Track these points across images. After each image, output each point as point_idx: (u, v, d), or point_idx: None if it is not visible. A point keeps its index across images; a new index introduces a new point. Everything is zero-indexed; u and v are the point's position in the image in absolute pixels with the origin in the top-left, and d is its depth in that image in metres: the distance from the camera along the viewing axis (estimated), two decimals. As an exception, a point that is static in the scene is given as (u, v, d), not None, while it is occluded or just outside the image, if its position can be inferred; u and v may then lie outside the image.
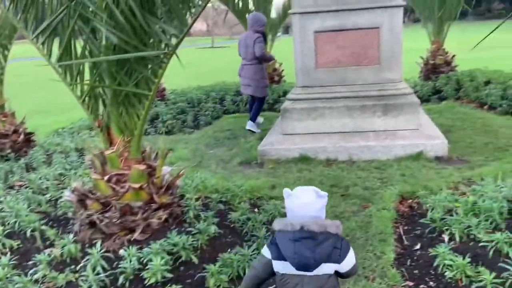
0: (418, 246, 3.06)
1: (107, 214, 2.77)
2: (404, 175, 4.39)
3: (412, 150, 4.89)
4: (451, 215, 3.13)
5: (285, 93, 9.09)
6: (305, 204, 1.75)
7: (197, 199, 3.31)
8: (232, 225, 3.15)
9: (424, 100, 8.15)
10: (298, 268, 1.73)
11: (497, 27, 2.74)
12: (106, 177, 2.78)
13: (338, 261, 1.76)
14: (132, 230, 2.80)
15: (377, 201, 3.80)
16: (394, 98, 5.10)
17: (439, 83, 8.40)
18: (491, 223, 2.97)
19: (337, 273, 1.81)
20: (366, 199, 3.90)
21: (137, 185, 2.74)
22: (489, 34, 2.86)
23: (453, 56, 9.14)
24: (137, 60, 2.52)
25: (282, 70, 10.15)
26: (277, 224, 1.81)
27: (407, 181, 4.21)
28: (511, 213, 3.07)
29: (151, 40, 2.57)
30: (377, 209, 3.63)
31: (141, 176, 2.81)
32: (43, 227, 3.25)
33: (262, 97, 6.91)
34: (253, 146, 5.84)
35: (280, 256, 1.77)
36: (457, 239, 2.91)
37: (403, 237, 3.23)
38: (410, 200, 3.83)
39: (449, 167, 4.54)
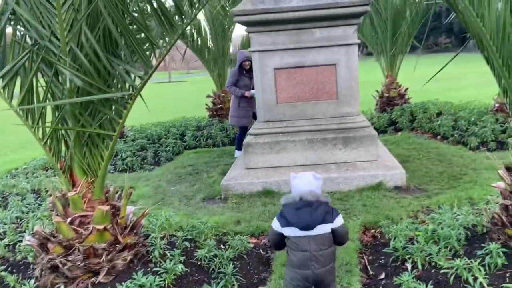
0: (383, 276, 3.17)
1: (70, 257, 2.72)
2: (365, 205, 4.55)
3: (372, 180, 5.09)
4: (413, 244, 3.27)
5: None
6: (303, 183, 2.44)
7: (162, 238, 3.29)
8: (198, 263, 3.15)
9: (381, 131, 8.53)
10: (302, 229, 2.37)
11: (448, 62, 3.00)
12: (68, 220, 2.75)
13: (331, 220, 2.42)
14: (96, 273, 2.75)
15: (341, 233, 3.91)
16: (353, 131, 5.33)
17: (394, 115, 8.82)
18: (450, 249, 3.14)
19: (333, 237, 2.44)
20: (330, 231, 4.00)
21: (101, 226, 2.72)
22: (441, 69, 3.12)
23: (406, 89, 9.66)
24: (101, 102, 2.56)
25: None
26: (284, 200, 2.48)
27: (369, 211, 4.37)
28: (468, 239, 3.25)
29: (115, 81, 2.62)
30: (342, 241, 3.74)
31: (105, 217, 2.79)
32: (2, 273, 3.13)
33: (242, 127, 7.23)
34: (216, 181, 5.88)
35: (287, 223, 2.41)
36: (420, 267, 3.04)
37: (368, 267, 3.34)
38: (373, 230, 3.97)
39: (408, 196, 4.75)
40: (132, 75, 2.66)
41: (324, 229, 2.41)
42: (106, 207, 2.77)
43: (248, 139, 5.48)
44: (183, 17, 2.52)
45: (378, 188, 5.02)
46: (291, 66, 5.32)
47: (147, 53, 2.59)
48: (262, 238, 4.01)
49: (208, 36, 9.76)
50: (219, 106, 9.94)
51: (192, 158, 7.55)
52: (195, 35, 9.37)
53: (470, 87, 17.78)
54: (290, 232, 2.41)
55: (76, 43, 2.45)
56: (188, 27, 9.17)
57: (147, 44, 2.64)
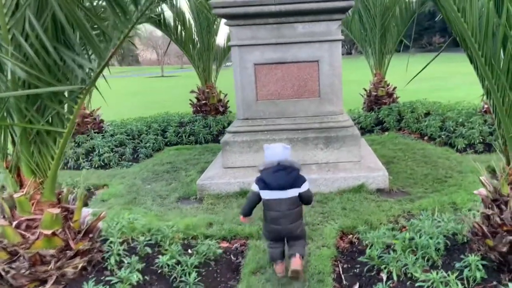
0: (356, 286, 2.99)
1: (14, 265, 2.50)
2: (345, 208, 4.38)
3: (354, 182, 4.92)
4: (389, 252, 3.10)
5: (229, 123, 9.06)
6: (278, 151, 3.06)
7: (122, 243, 3.08)
8: (159, 271, 2.95)
9: (367, 130, 8.37)
10: (278, 189, 2.94)
11: (429, 62, 2.82)
12: (14, 223, 2.53)
13: (299, 185, 3.01)
14: (43, 281, 2.54)
15: (317, 238, 3.74)
16: (336, 131, 5.15)
17: (381, 114, 8.66)
18: (427, 260, 2.96)
19: (301, 199, 3.04)
20: (306, 236, 3.82)
21: (49, 231, 2.50)
22: (423, 69, 2.94)
23: (394, 88, 9.50)
24: (50, 96, 2.34)
25: (227, 101, 10.13)
26: (261, 166, 3.07)
27: (348, 215, 4.19)
28: (448, 249, 3.09)
29: (67, 74, 2.40)
30: (317, 247, 3.56)
31: (55, 221, 2.57)
32: None
33: None
34: (193, 179, 5.68)
35: (265, 186, 2.97)
36: (395, 278, 2.87)
37: (342, 276, 3.16)
38: (351, 236, 3.79)
39: (390, 200, 4.58)
40: (85, 69, 2.44)
41: (293, 192, 2.99)
42: (56, 210, 2.55)
43: (226, 137, 5.28)
44: (138, 6, 2.31)
45: (360, 190, 4.85)
46: (272, 62, 5.12)
47: (102, 45, 2.38)
48: (234, 242, 3.82)
49: (193, 29, 9.52)
50: (203, 102, 9.71)
51: (172, 155, 7.33)
52: (179, 28, 9.12)
53: (459, 87, 17.75)
54: (266, 194, 2.99)
55: (20, 31, 2.23)
56: (171, 19, 8.95)
57: (101, 36, 2.42)
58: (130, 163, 6.97)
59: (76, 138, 7.54)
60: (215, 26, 9.50)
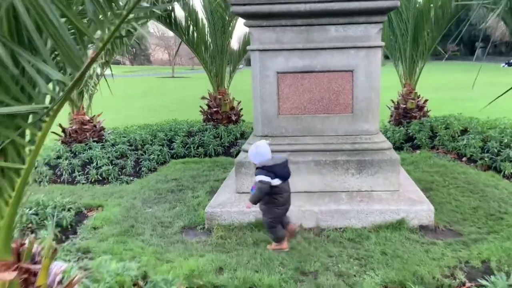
0: None
1: None
2: (385, 253, 3.63)
3: (392, 216, 4.18)
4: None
5: (242, 134, 8.36)
6: (268, 149, 3.75)
7: (107, 308, 2.39)
8: None
9: (396, 147, 7.61)
10: (285, 179, 3.77)
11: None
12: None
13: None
14: None
15: (355, 296, 3.01)
16: (370, 153, 4.42)
17: (411, 130, 7.89)
18: None
19: None
20: (341, 292, 3.10)
21: (-1, 305, 1.82)
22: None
23: (425, 100, 8.72)
24: (2, 120, 1.66)
25: (241, 109, 9.43)
26: (270, 162, 3.71)
27: (391, 263, 3.45)
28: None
29: (26, 89, 1.71)
30: (356, 311, 2.83)
31: (10, 288, 1.88)
32: None
33: None
34: (201, 202, 5.00)
35: (275, 176, 3.68)
36: None
37: None
38: (397, 293, 3.06)
39: (438, 242, 3.83)
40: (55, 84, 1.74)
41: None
42: (10, 275, 1.86)
43: (241, 156, 4.57)
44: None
45: (399, 227, 4.11)
46: (298, 71, 4.41)
47: (79, 52, 1.68)
48: (249, 297, 3.11)
49: (207, 30, 8.85)
50: (215, 109, 9.02)
51: (179, 170, 6.64)
52: (191, 28, 8.45)
53: (483, 97, 16.90)
54: (277, 182, 3.70)
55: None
56: (183, 18, 8.28)
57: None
58: (131, 178, 6.29)
59: (73, 147, 6.88)
60: (230, 28, 8.81)
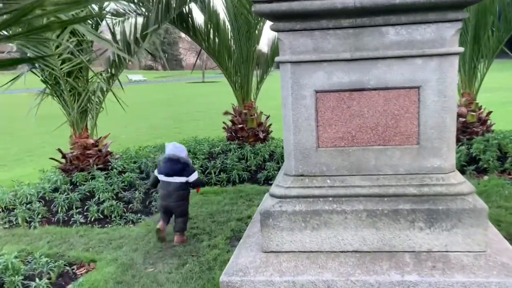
0: None
1: None
2: None
3: (480, 291, 3.00)
4: None
5: (271, 155, 7.30)
6: (169, 148, 4.52)
7: None
8: None
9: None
10: (165, 175, 4.44)
11: None
12: None
13: (187, 175, 4.49)
14: None
15: None
16: (445, 200, 3.26)
17: (474, 149, 6.62)
18: None
19: (187, 183, 4.53)
20: None
21: None
22: None
23: (489, 112, 7.42)
24: None
25: (270, 125, 8.37)
26: (161, 158, 4.54)
27: None
28: None
29: None
30: None
31: None
32: None
33: None
34: (218, 257, 4.00)
35: (160, 172, 4.50)
36: None
37: None
38: None
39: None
40: None
41: (179, 179, 4.45)
42: None
43: (268, 204, 3.49)
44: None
45: (493, 308, 2.93)
46: (344, 88, 3.31)
47: None
48: None
49: (230, 35, 7.85)
50: (240, 126, 8.00)
51: (195, 205, 5.63)
52: (212, 33, 7.46)
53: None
54: (161, 177, 4.50)
55: None
56: (203, 22, 7.31)
57: None
58: (138, 215, 5.33)
59: (74, 177, 5.97)
60: (257, 32, 7.79)
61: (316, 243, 3.41)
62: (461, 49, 3.19)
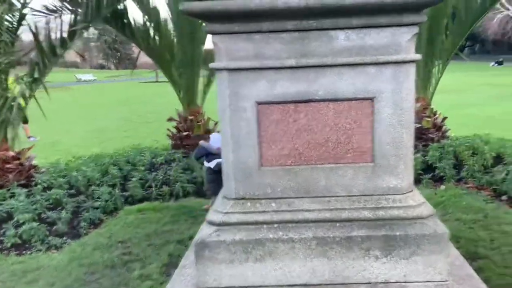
0: None
1: None
2: None
3: (441, 327, 2.74)
4: None
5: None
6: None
7: None
8: None
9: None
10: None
11: None
12: None
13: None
14: None
15: None
16: (403, 225, 2.99)
17: (431, 157, 6.50)
18: None
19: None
20: None
21: None
22: None
23: (444, 118, 7.36)
24: None
25: (219, 132, 7.96)
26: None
27: None
28: None
29: None
30: None
31: None
32: None
33: None
34: (152, 290, 3.52)
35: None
36: None
37: None
38: None
39: None
40: None
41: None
42: None
43: (205, 232, 3.10)
44: None
45: None
46: (290, 100, 2.97)
47: None
48: None
49: (172, 35, 7.40)
50: (185, 133, 7.55)
51: (130, 225, 5.17)
52: (152, 33, 6.97)
53: (490, 102, 15.89)
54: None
55: None
56: (141, 22, 6.82)
57: None
58: (63, 239, 4.80)
59: (-10, 196, 5.34)
60: (202, 31, 7.37)
61: (260, 276, 3.05)
62: (418, 56, 2.93)
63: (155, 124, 14.31)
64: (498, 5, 27.41)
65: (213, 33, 2.91)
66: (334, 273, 3.02)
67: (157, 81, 38.20)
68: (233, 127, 3.02)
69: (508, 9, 35.38)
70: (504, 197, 5.41)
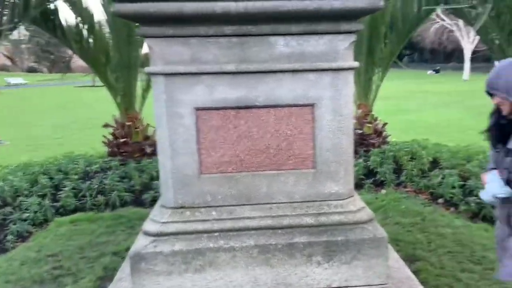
0: None
1: None
2: None
3: (381, 330, 2.84)
4: None
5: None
6: None
7: None
8: None
9: (355, 185, 6.40)
10: None
11: None
12: None
13: None
14: None
15: None
16: (344, 230, 3.07)
17: (372, 162, 6.73)
18: None
19: None
20: None
21: None
22: None
23: (385, 124, 7.65)
24: None
25: (158, 138, 7.85)
26: None
27: None
28: None
29: None
30: None
31: None
32: None
33: None
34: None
35: None
36: None
37: None
38: None
39: None
40: None
41: None
42: None
43: (141, 243, 3.03)
44: None
45: None
46: (230, 106, 2.98)
47: None
48: None
49: (108, 38, 7.22)
50: (122, 140, 7.36)
51: (62, 237, 4.96)
52: (86, 35, 6.77)
53: (424, 108, 16.71)
54: None
55: None
56: (74, 23, 6.61)
57: None
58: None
59: None
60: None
61: (200, 287, 3.02)
62: (356, 64, 3.03)
63: (91, 130, 13.90)
64: (434, 16, 28.98)
65: (148, 36, 2.87)
66: (276, 280, 3.05)
67: (93, 86, 37.05)
68: (170, 134, 2.98)
69: (443, 20, 37.44)
70: (440, 200, 5.68)
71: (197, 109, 2.96)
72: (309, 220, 3.07)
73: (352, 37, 2.95)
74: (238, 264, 3.02)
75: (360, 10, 2.84)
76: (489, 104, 2.51)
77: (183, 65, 2.87)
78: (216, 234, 3.03)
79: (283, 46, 2.93)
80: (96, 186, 6.19)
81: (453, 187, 5.60)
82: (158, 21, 2.74)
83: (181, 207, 3.09)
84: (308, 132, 3.06)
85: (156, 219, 3.07)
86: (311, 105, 3.01)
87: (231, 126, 3.02)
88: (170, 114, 2.94)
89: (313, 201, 3.13)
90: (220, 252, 3.00)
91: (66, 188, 5.98)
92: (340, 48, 2.96)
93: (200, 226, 3.03)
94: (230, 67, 2.90)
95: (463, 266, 3.93)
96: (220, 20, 2.76)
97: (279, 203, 3.12)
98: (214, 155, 3.05)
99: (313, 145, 3.07)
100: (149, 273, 2.97)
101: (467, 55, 36.86)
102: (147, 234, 3.04)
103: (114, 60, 7.18)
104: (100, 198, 6.02)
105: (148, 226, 3.07)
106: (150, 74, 2.95)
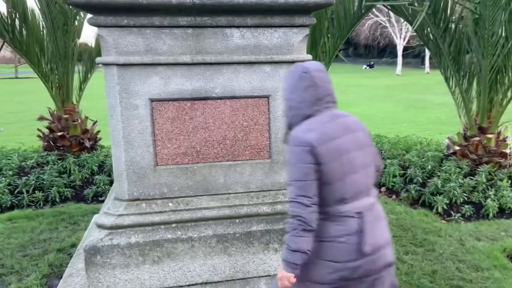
0: None
1: None
2: None
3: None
4: None
5: (101, 167, 6.67)
6: None
7: None
8: None
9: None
10: None
11: None
12: None
13: None
14: None
15: None
16: (298, 218, 3.20)
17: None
18: None
19: None
20: None
21: None
22: None
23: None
24: None
25: (98, 132, 7.67)
26: None
27: None
28: None
29: None
30: None
31: None
32: None
33: None
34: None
35: None
36: None
37: None
38: None
39: None
40: None
41: None
42: None
43: (95, 237, 3.01)
44: None
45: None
46: (186, 97, 3.02)
47: None
48: None
49: (42, 26, 6.95)
50: (59, 134, 7.12)
51: (1, 235, 4.76)
52: (18, 24, 6.48)
53: (358, 102, 17.40)
54: None
55: None
56: (5, 12, 6.31)
57: None
58: None
59: None
60: (76, 23, 7.05)
61: (158, 279, 3.06)
62: (309, 57, 3.17)
63: (18, 125, 13.26)
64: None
65: (99, 26, 2.85)
66: (234, 269, 3.15)
67: (16, 77, 35.12)
68: (125, 126, 2.98)
69: (377, 16, 38.92)
70: (383, 189, 6.00)
71: (152, 100, 2.98)
72: (265, 209, 3.19)
73: (306, 31, 3.09)
74: (197, 254, 3.08)
75: (315, 4, 2.97)
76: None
77: (138, 55, 2.88)
78: (174, 225, 3.08)
79: (239, 38, 3.01)
80: (33, 181, 5.98)
81: (394, 176, 5.95)
82: (112, 10, 2.73)
83: (137, 199, 3.10)
84: (264, 123, 3.17)
85: (111, 212, 3.07)
86: (267, 97, 3.13)
87: (187, 117, 3.07)
88: (124, 105, 2.94)
89: (269, 190, 3.26)
90: (178, 243, 3.05)
91: (0, 185, 5.73)
92: (295, 41, 3.09)
93: (156, 218, 3.06)
94: (186, 58, 2.94)
95: (406, 249, 4.22)
96: (175, 10, 2.80)
97: (236, 193, 3.22)
98: (170, 146, 3.09)
99: (269, 136, 3.19)
100: (105, 267, 2.96)
101: (400, 50, 38.57)
102: (101, 227, 3.03)
103: (49, 50, 6.93)
104: (38, 194, 5.82)
105: (102, 219, 3.06)
106: (103, 65, 2.93)
